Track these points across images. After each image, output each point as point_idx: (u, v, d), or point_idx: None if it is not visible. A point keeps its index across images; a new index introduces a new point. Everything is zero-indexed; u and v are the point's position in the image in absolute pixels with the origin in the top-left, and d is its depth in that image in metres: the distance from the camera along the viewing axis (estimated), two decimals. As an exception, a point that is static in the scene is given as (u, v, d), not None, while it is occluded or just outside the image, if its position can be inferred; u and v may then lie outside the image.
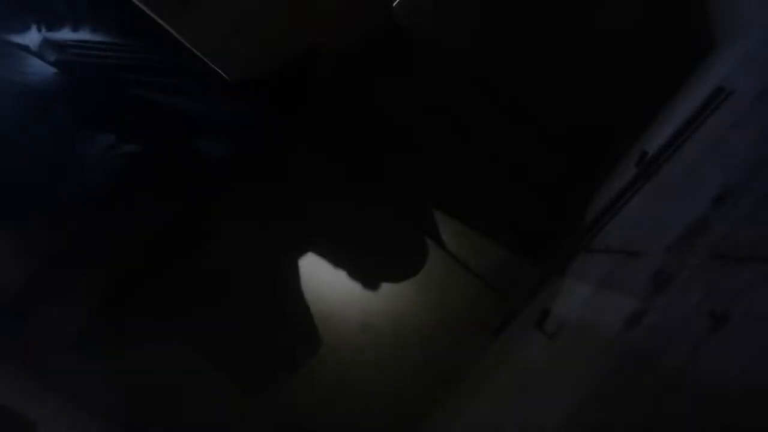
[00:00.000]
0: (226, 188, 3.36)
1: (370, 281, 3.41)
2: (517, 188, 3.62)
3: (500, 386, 2.76)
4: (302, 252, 3.45)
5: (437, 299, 3.46)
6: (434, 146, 3.61)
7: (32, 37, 2.46)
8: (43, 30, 2.41)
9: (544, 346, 2.52)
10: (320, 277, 3.48)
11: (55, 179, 2.77)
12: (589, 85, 3.66)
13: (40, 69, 2.56)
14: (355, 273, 3.45)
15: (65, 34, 2.46)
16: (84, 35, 2.46)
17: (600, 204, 3.11)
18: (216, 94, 2.72)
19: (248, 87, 2.64)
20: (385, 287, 3.47)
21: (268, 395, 3.30)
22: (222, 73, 2.36)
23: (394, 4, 3.68)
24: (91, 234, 3.23)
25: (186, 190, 3.27)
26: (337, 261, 3.48)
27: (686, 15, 3.43)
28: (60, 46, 2.48)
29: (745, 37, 2.72)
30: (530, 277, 3.37)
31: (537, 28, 3.66)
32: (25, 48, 2.48)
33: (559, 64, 3.64)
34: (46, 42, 2.47)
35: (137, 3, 1.97)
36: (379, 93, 3.65)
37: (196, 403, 3.28)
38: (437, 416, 3.27)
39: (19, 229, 3.02)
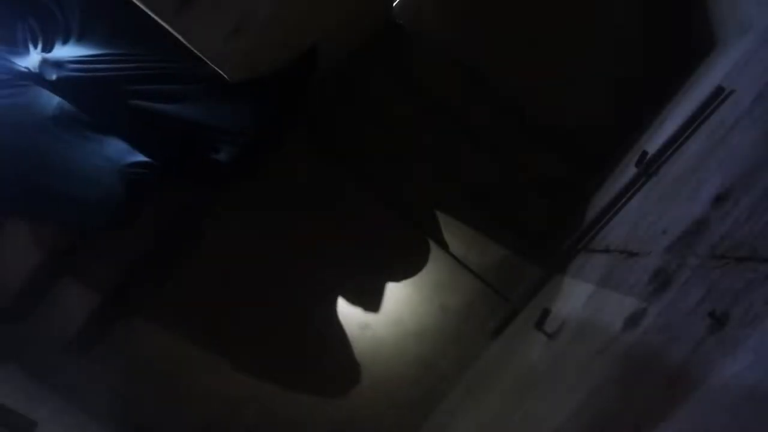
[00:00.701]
0: (227, 189, 3.37)
1: (371, 297, 3.41)
2: (517, 188, 3.62)
3: (500, 386, 2.77)
4: (306, 256, 3.46)
5: (437, 299, 3.46)
6: (434, 146, 3.61)
7: (32, 58, 2.48)
8: (40, 48, 2.43)
9: (544, 346, 2.52)
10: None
11: (75, 198, 2.79)
12: (589, 84, 3.66)
13: (47, 99, 2.58)
14: (356, 282, 3.45)
15: (63, 51, 2.47)
16: (82, 50, 2.47)
17: (600, 204, 3.11)
18: (216, 96, 2.72)
19: (248, 87, 2.64)
20: (385, 287, 3.47)
21: (266, 395, 3.31)
22: (222, 74, 2.35)
23: (394, 4, 3.68)
24: (99, 236, 3.24)
25: (188, 191, 3.28)
26: (338, 265, 3.49)
27: (686, 15, 3.43)
28: (59, 64, 2.50)
29: (745, 37, 2.72)
30: (530, 277, 3.37)
31: (537, 29, 3.67)
32: (26, 71, 2.50)
33: (558, 64, 3.65)
34: (45, 62, 2.49)
35: (137, 3, 1.97)
36: (379, 93, 3.65)
37: (197, 402, 3.28)
38: (436, 416, 3.27)
39: (28, 227, 3.04)
